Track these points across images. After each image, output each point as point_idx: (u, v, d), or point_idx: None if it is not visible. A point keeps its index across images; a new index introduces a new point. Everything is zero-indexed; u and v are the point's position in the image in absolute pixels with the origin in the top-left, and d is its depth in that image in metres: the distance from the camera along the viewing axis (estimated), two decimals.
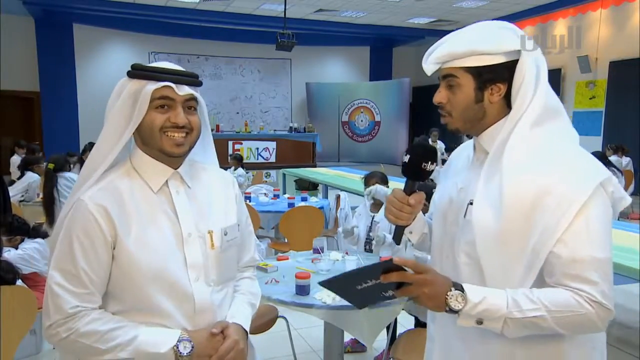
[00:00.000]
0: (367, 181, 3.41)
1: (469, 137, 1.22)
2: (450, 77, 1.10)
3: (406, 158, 1.21)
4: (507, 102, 1.09)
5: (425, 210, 1.30)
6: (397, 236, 1.27)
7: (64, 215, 1.16)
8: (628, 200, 1.05)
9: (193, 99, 1.17)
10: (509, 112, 1.09)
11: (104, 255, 1.11)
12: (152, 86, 1.11)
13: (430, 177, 1.25)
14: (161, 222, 1.16)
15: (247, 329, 1.26)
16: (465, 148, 1.27)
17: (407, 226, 1.25)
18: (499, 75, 1.06)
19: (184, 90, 1.14)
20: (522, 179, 1.01)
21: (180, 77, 1.14)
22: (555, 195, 0.98)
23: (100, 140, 1.16)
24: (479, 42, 1.06)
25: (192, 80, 1.17)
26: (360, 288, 1.01)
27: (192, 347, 1.12)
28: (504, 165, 1.04)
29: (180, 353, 1.11)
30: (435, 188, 1.28)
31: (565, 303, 0.97)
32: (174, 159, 1.18)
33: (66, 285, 1.09)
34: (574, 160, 1.03)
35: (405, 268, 0.99)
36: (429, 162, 1.18)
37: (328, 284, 1.05)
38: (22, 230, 3.10)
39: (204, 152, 1.31)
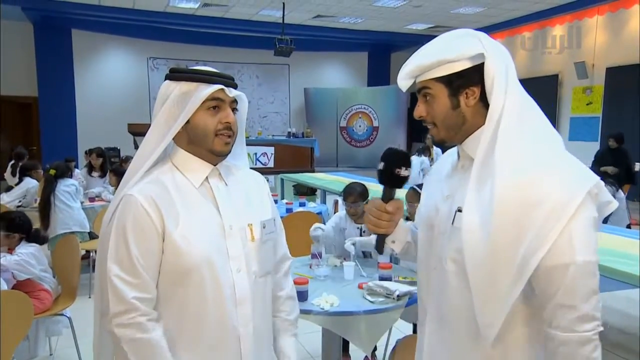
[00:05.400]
0: (347, 197, 3.12)
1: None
2: (424, 89, 1.14)
3: (380, 165, 1.20)
4: (485, 105, 1.09)
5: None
6: (379, 245, 1.25)
7: (111, 212, 1.20)
8: (615, 204, 1.05)
9: (236, 100, 1.26)
10: None
11: (156, 245, 1.15)
12: (207, 89, 1.17)
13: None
14: (205, 215, 1.21)
15: None
16: (449, 155, 1.26)
17: (387, 235, 1.24)
18: (469, 80, 1.09)
19: (232, 92, 1.23)
20: (513, 184, 1.00)
21: (227, 79, 1.22)
22: (546, 203, 0.97)
23: (147, 138, 1.22)
24: (443, 51, 1.09)
25: (233, 83, 1.26)
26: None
27: None
28: (497, 171, 1.02)
29: None
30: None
31: None
32: (216, 157, 1.24)
33: (124, 277, 1.12)
34: (564, 166, 1.03)
35: None
36: (403, 168, 1.18)
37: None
38: (23, 229, 3.06)
39: (239, 153, 1.37)
